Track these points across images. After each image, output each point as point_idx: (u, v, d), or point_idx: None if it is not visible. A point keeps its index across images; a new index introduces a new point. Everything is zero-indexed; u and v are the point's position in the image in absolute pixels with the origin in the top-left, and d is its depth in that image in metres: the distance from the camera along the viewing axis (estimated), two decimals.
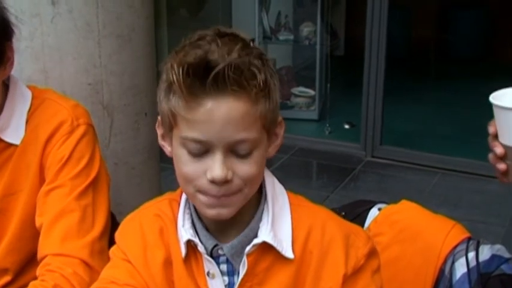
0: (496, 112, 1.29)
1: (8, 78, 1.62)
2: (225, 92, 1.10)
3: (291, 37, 5.54)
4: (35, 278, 1.50)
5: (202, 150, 1.14)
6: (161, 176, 2.38)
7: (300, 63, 5.98)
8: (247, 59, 1.12)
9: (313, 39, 5.39)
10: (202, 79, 1.10)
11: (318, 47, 5.34)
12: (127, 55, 2.05)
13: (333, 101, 5.27)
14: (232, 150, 1.14)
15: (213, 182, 1.13)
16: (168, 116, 1.16)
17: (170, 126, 1.18)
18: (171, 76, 1.12)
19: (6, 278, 1.64)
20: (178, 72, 1.10)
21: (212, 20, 5.41)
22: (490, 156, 1.33)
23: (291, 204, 1.25)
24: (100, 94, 2.01)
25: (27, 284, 1.48)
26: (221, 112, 1.10)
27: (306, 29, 5.44)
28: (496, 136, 1.30)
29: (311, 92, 5.49)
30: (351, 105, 5.17)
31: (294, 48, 5.88)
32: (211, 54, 1.10)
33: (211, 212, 1.17)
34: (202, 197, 1.17)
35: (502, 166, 1.30)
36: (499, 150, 1.29)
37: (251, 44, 1.17)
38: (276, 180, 1.27)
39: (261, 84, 1.13)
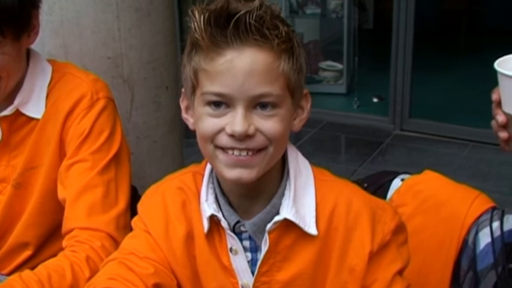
0: (500, 79, 1.23)
1: (29, 52, 1.62)
2: (246, 42, 1.08)
3: (318, 11, 5.49)
4: (56, 253, 1.49)
5: (223, 105, 1.11)
6: (185, 152, 2.37)
7: (327, 37, 5.91)
8: (269, 10, 1.10)
9: (340, 12, 5.33)
10: (223, 28, 1.08)
11: (345, 20, 5.29)
12: (146, 29, 2.04)
13: (361, 74, 5.22)
14: (255, 107, 1.11)
15: (232, 136, 1.10)
16: (190, 77, 1.15)
17: (193, 89, 1.15)
18: (192, 24, 1.10)
19: (27, 253, 1.65)
20: (200, 20, 1.09)
21: None
22: (493, 123, 1.29)
23: (315, 179, 1.22)
24: (120, 68, 2.01)
25: (47, 259, 1.48)
26: (242, 63, 1.08)
27: (333, 2, 5.38)
28: (499, 104, 1.25)
29: (339, 66, 5.45)
30: (379, 79, 5.12)
31: (321, 22, 5.82)
32: (232, 4, 1.09)
33: (231, 174, 1.13)
34: (221, 156, 1.13)
35: (504, 134, 1.27)
36: (501, 118, 1.25)
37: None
38: (300, 155, 1.24)
39: (283, 34, 1.10)
